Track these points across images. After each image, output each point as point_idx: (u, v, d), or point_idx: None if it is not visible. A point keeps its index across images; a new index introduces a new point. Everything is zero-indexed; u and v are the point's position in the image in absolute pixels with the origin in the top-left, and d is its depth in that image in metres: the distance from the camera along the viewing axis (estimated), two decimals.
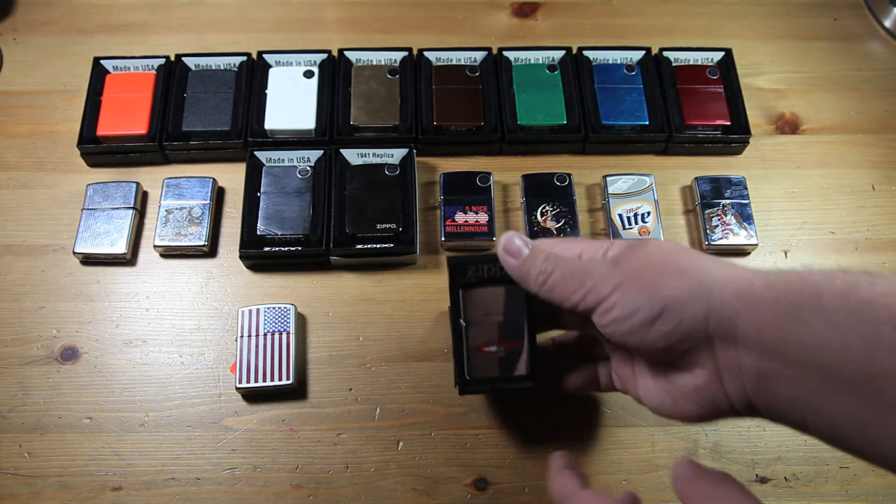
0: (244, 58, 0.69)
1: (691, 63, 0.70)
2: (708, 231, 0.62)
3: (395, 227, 0.60)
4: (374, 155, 0.64)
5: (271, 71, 0.69)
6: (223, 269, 0.62)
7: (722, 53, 0.71)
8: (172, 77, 0.68)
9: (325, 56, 0.69)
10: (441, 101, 0.67)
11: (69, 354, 0.57)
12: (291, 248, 0.60)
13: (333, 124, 0.66)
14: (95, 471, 0.53)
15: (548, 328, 0.51)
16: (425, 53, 0.70)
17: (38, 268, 0.61)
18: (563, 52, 0.70)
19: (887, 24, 0.76)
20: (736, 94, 0.68)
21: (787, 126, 0.70)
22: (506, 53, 0.70)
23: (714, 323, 0.36)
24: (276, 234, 0.60)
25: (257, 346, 0.56)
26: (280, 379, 0.55)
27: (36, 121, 0.68)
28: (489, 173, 0.64)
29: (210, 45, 0.73)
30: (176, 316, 0.59)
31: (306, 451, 0.54)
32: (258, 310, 0.57)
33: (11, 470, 0.53)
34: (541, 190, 0.63)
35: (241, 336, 0.56)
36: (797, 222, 0.65)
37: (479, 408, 0.56)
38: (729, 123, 0.67)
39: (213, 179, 0.64)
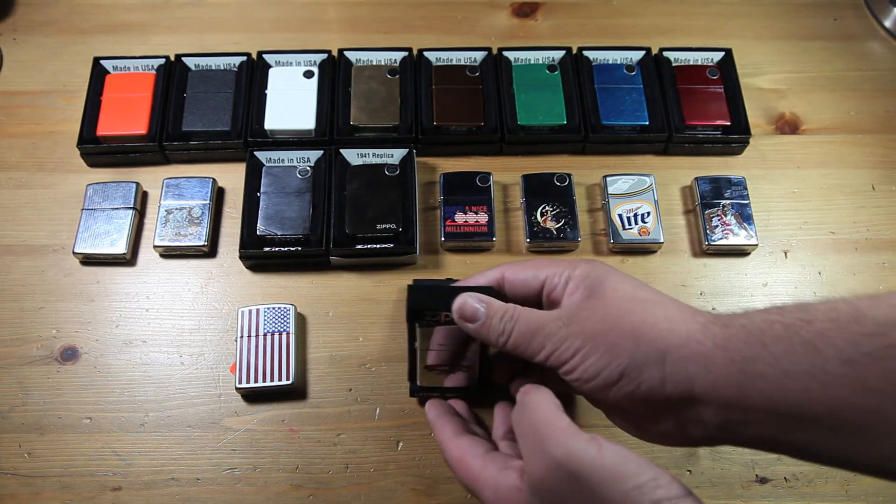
0: (244, 58, 0.69)
1: (691, 63, 0.70)
2: (708, 231, 0.62)
3: (395, 227, 0.60)
4: (374, 155, 0.64)
5: (271, 71, 0.69)
6: (223, 270, 0.62)
7: (722, 53, 0.71)
8: (172, 77, 0.68)
9: (325, 56, 0.69)
10: (441, 101, 0.67)
11: (69, 354, 0.57)
12: (291, 249, 0.60)
13: (333, 124, 0.66)
14: (95, 471, 0.53)
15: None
16: (425, 53, 0.70)
17: (38, 268, 0.61)
18: (563, 52, 0.70)
19: (887, 24, 0.76)
20: (736, 94, 0.68)
21: (787, 126, 0.70)
22: (506, 53, 0.70)
23: (671, 386, 0.38)
24: (276, 235, 0.60)
25: (257, 347, 0.56)
26: (280, 379, 0.55)
27: (36, 121, 0.68)
28: (489, 173, 0.64)
29: (210, 45, 0.73)
30: (176, 316, 0.59)
31: (306, 451, 0.54)
32: (258, 310, 0.57)
33: (11, 470, 0.53)
34: (541, 190, 0.63)
35: (241, 336, 0.56)
36: (797, 222, 0.65)
37: (479, 408, 0.56)
38: (729, 123, 0.67)
39: (213, 179, 0.64)
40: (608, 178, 0.64)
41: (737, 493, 0.54)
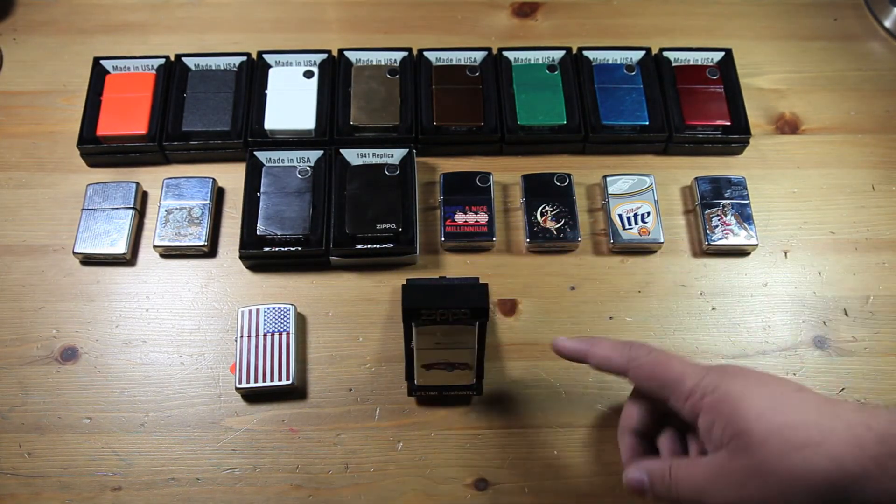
0: (244, 58, 0.69)
1: (691, 63, 0.70)
2: (708, 231, 0.62)
3: (394, 227, 0.60)
4: (374, 155, 0.64)
5: (271, 71, 0.69)
6: (223, 270, 0.62)
7: (722, 53, 0.71)
8: (172, 77, 0.68)
9: (325, 56, 0.69)
10: (441, 101, 0.67)
11: (69, 354, 0.57)
12: (291, 249, 0.60)
13: (333, 124, 0.66)
14: (95, 471, 0.53)
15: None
16: (425, 53, 0.70)
17: (38, 268, 0.61)
18: (563, 52, 0.70)
19: (887, 24, 0.76)
20: (736, 94, 0.68)
21: (787, 126, 0.70)
22: (506, 53, 0.70)
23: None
24: (276, 235, 0.60)
25: (257, 347, 0.56)
26: (280, 379, 0.55)
27: (36, 121, 0.68)
28: (489, 173, 0.64)
29: (210, 45, 0.73)
30: (176, 316, 0.59)
31: (306, 451, 0.54)
32: (258, 310, 0.57)
33: (11, 470, 0.53)
34: (541, 190, 0.63)
35: (241, 336, 0.56)
36: (797, 222, 0.65)
37: (479, 408, 0.56)
38: (729, 123, 0.67)
39: (213, 179, 0.64)
40: (608, 178, 0.64)
41: None
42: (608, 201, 0.63)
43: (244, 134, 0.65)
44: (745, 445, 0.39)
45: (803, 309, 0.61)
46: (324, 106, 0.67)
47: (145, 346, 0.58)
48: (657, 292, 0.61)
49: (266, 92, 0.67)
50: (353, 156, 0.64)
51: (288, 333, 0.57)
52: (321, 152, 0.64)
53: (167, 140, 0.65)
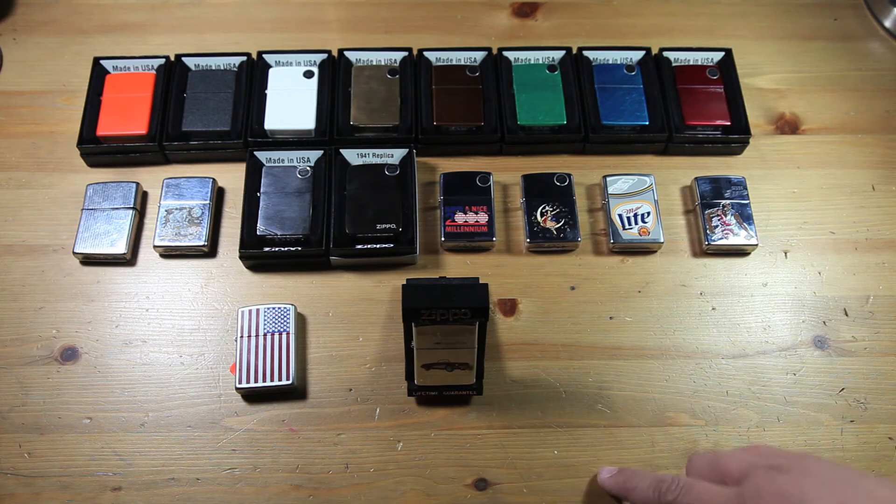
0: (244, 58, 0.69)
1: (691, 63, 0.70)
2: (708, 231, 0.62)
3: (394, 227, 0.60)
4: (373, 155, 0.64)
5: (271, 71, 0.69)
6: (223, 270, 0.62)
7: (722, 53, 0.71)
8: (172, 77, 0.68)
9: (325, 56, 0.69)
10: (441, 101, 0.67)
11: (69, 354, 0.57)
12: (291, 249, 0.60)
13: (333, 124, 0.66)
14: (95, 471, 0.53)
15: None
16: (425, 53, 0.70)
17: (38, 268, 0.61)
18: (563, 52, 0.70)
19: (887, 24, 0.76)
20: (736, 95, 0.68)
21: (787, 126, 0.70)
22: (506, 53, 0.70)
23: None
24: (276, 235, 0.60)
25: (257, 347, 0.56)
26: (280, 379, 0.55)
27: (36, 121, 0.68)
28: (489, 173, 0.64)
29: (210, 45, 0.73)
30: (176, 316, 0.60)
31: (306, 451, 0.54)
32: (258, 310, 0.57)
33: (11, 470, 0.53)
34: (541, 190, 0.63)
35: (241, 336, 0.56)
36: (797, 222, 0.65)
37: (479, 408, 0.56)
38: (729, 123, 0.67)
39: (213, 179, 0.64)
40: (608, 178, 0.64)
41: None
42: (608, 201, 0.63)
43: (244, 134, 0.65)
44: None
45: (803, 309, 0.61)
46: (324, 106, 0.67)
47: (145, 346, 0.58)
48: (657, 292, 0.61)
49: (266, 92, 0.67)
50: (353, 156, 0.64)
51: (288, 333, 0.57)
52: (321, 152, 0.64)
53: (167, 140, 0.65)
